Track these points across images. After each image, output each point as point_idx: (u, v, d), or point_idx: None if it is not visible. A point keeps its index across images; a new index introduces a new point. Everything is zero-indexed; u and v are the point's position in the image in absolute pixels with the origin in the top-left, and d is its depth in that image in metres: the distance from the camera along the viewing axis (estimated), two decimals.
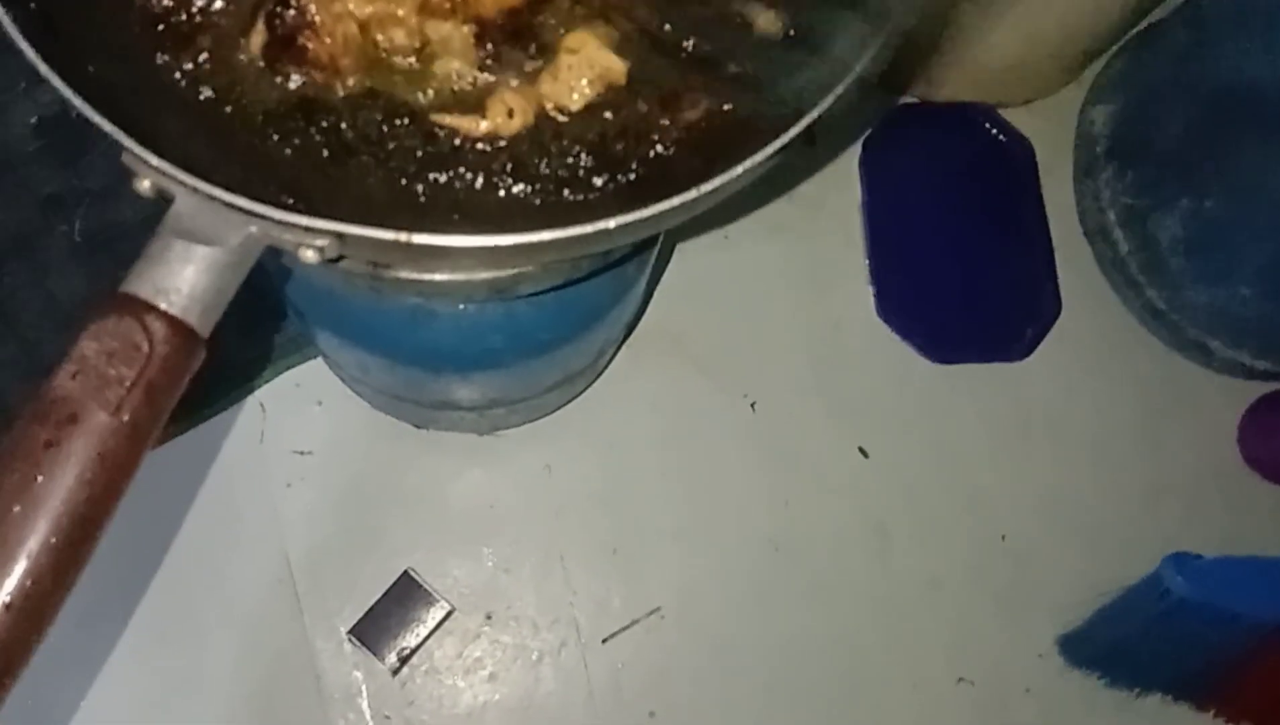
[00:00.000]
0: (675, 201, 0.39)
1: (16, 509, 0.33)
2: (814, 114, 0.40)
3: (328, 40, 0.46)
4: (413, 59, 0.47)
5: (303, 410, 0.82)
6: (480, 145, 0.45)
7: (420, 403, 0.76)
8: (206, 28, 0.45)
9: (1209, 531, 0.85)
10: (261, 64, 0.46)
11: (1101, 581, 0.78)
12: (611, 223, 0.39)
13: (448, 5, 0.48)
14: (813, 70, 0.46)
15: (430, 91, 0.47)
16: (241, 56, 0.45)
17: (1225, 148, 0.80)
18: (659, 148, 0.46)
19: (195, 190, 0.36)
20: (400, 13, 0.47)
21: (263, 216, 0.37)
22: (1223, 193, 0.80)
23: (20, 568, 0.33)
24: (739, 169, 0.40)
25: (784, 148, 0.40)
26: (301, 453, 0.82)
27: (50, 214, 0.82)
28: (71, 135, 0.83)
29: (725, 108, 0.48)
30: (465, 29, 0.47)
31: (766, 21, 0.48)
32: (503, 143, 0.46)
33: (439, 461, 0.83)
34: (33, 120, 0.83)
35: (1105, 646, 0.80)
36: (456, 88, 0.47)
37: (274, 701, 0.77)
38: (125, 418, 0.35)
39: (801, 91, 0.43)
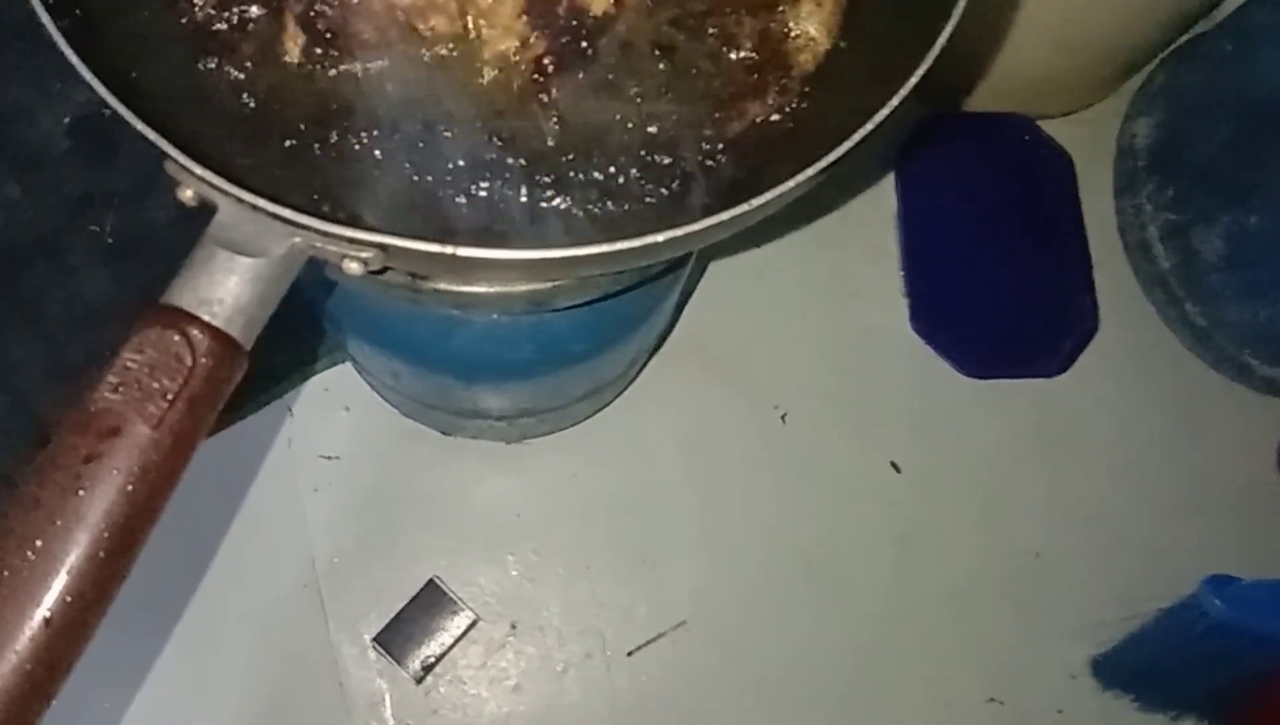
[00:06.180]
0: (725, 216, 0.38)
1: (57, 523, 0.33)
2: (869, 126, 0.39)
3: (371, 16, 0.46)
4: (457, 47, 0.46)
5: (331, 415, 0.82)
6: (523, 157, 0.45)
7: (449, 410, 0.76)
8: (249, 34, 0.45)
9: (1246, 551, 0.83)
10: (303, 64, 0.45)
11: (1136, 601, 0.77)
12: (660, 237, 0.38)
13: None
14: (863, 82, 0.45)
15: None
16: (284, 63, 0.45)
17: (1269, 162, 0.79)
18: (704, 159, 0.46)
19: (240, 200, 0.36)
20: None
21: (308, 227, 0.36)
22: (1267, 208, 0.79)
23: (61, 583, 0.33)
24: (791, 182, 0.39)
25: (839, 161, 0.39)
26: (329, 458, 0.81)
27: (80, 214, 0.81)
28: (103, 135, 0.82)
29: (773, 119, 0.47)
30: None
31: (817, 31, 0.47)
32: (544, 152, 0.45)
33: (465, 469, 0.82)
34: (66, 120, 0.83)
35: (1140, 669, 0.79)
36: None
37: (297, 708, 0.76)
38: (167, 430, 0.34)
39: (852, 104, 0.43)
